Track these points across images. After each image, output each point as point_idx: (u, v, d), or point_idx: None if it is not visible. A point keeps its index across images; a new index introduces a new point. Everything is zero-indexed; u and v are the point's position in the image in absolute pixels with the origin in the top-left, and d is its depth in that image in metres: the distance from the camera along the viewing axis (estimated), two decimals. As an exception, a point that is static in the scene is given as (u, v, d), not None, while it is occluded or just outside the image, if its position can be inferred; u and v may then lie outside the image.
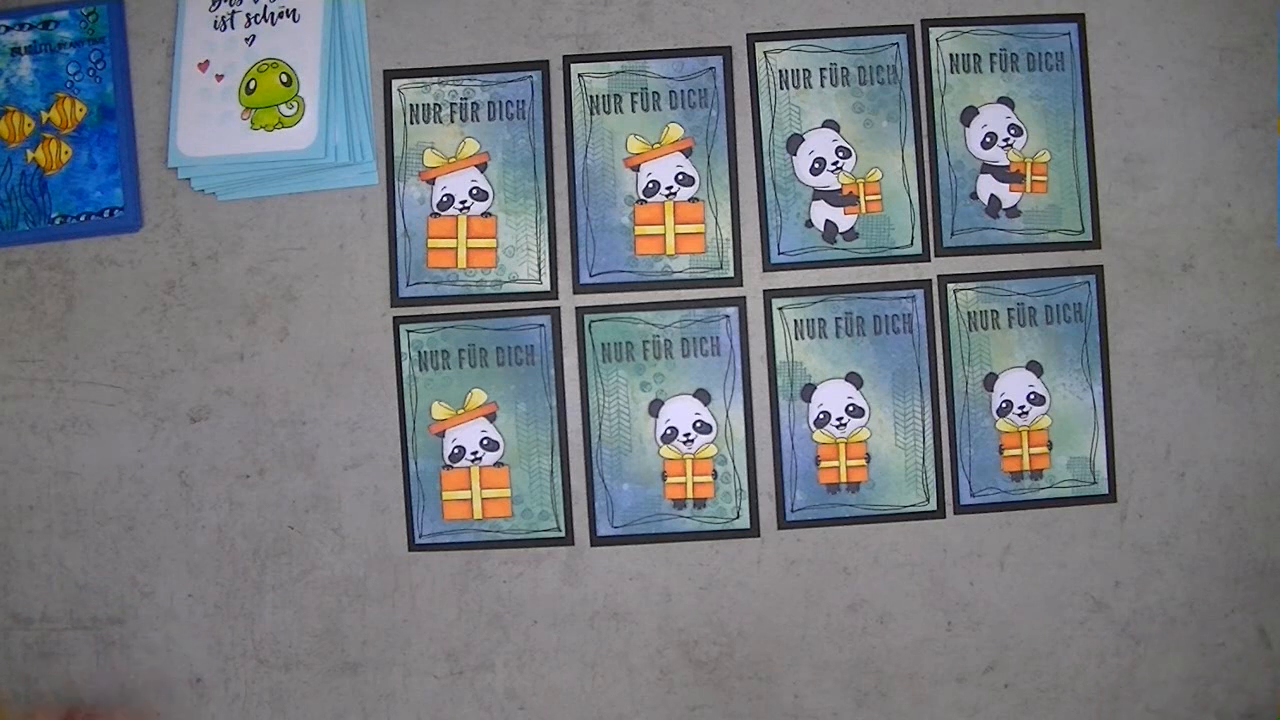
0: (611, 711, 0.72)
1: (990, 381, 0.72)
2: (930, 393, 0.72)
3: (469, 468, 0.72)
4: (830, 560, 0.72)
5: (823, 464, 0.72)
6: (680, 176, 0.73)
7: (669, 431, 0.72)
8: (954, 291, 0.72)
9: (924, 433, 0.72)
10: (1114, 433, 0.73)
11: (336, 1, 0.73)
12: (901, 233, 0.73)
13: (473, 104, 0.74)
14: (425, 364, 0.73)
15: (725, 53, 0.73)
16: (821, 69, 0.73)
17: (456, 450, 0.72)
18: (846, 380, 0.72)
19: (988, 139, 0.73)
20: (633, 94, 0.73)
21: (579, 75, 0.73)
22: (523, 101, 0.73)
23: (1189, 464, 0.73)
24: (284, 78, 0.72)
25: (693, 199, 0.73)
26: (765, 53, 0.73)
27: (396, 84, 0.74)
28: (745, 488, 0.72)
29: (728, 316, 0.72)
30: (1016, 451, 0.72)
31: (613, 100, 0.73)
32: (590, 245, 0.73)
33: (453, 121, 0.74)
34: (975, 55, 0.73)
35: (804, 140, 0.73)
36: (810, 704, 0.72)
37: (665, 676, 0.72)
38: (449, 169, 0.73)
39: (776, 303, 0.72)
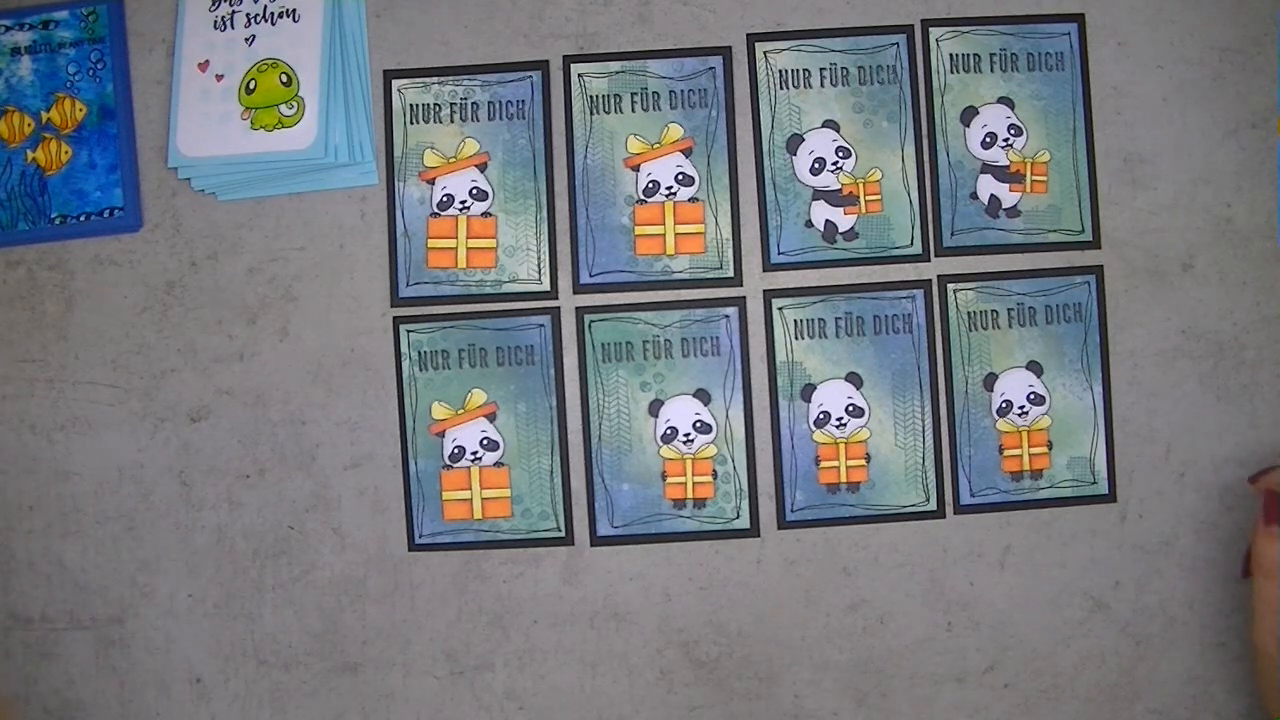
0: (611, 711, 0.73)
1: (990, 381, 0.73)
2: (930, 393, 0.72)
3: (469, 468, 0.72)
4: (830, 560, 0.72)
5: (823, 464, 0.72)
6: (680, 176, 0.73)
7: (669, 431, 0.72)
8: (954, 291, 0.73)
9: (924, 433, 0.72)
10: (1114, 433, 0.73)
11: (336, 1, 0.73)
12: (901, 233, 0.73)
13: (473, 104, 0.74)
14: (425, 364, 0.73)
15: (725, 53, 0.73)
16: (821, 69, 0.73)
17: (456, 450, 0.72)
18: (846, 380, 0.72)
19: (988, 139, 0.73)
20: (633, 94, 0.73)
21: (579, 75, 0.73)
22: (523, 101, 0.73)
23: (1189, 464, 0.73)
24: (284, 78, 0.72)
25: (693, 199, 0.73)
26: (765, 53, 0.73)
27: (396, 84, 0.74)
28: (745, 488, 0.72)
29: (728, 316, 0.72)
30: (1016, 451, 0.72)
31: (613, 100, 0.73)
32: (590, 245, 0.73)
33: (453, 121, 0.74)
34: (975, 55, 0.73)
35: (804, 140, 0.73)
36: (810, 704, 0.72)
37: (665, 676, 0.72)
38: (449, 169, 0.73)
39: (776, 303, 0.72)
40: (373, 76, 0.74)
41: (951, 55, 0.73)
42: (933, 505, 0.72)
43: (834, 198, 0.73)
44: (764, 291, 0.73)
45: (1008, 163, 0.73)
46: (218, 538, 0.73)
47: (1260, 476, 0.66)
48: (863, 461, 0.72)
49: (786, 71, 0.73)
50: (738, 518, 0.72)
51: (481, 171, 0.73)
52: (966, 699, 0.73)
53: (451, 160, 0.73)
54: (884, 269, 0.73)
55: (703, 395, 0.72)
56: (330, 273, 0.73)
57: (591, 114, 0.73)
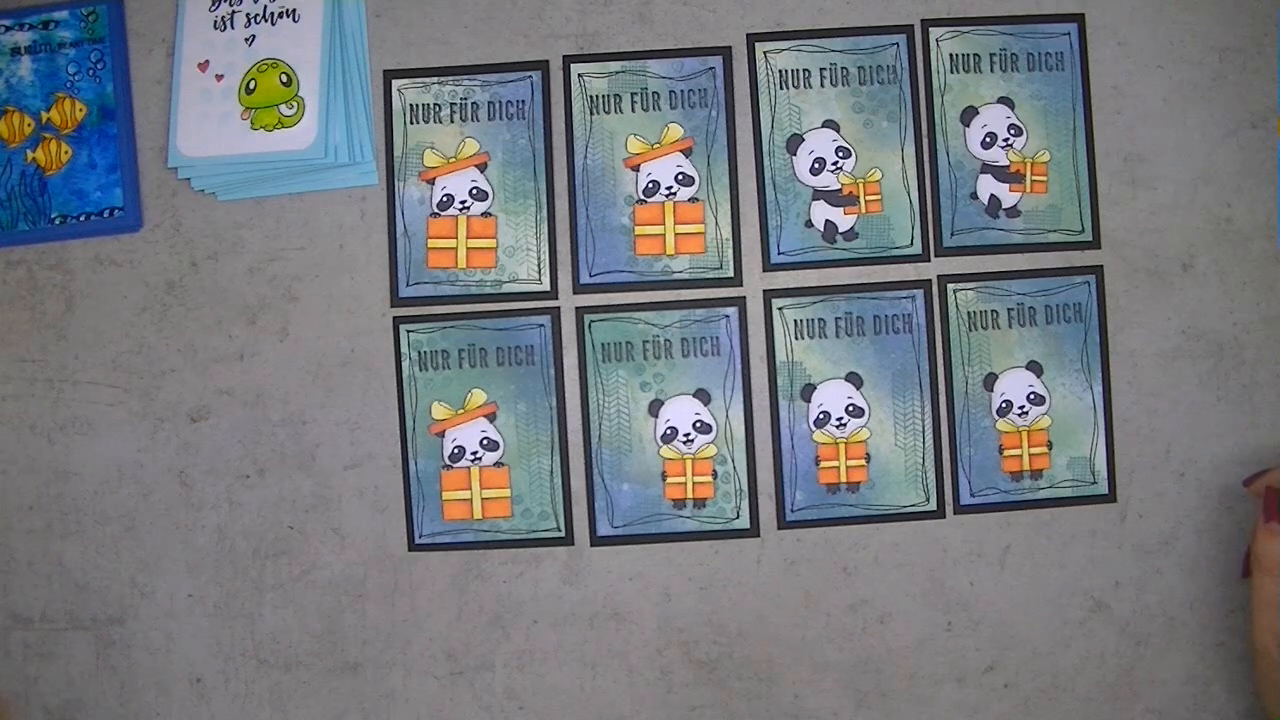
0: (611, 711, 0.73)
1: (990, 381, 0.73)
2: (930, 393, 0.72)
3: (469, 468, 0.72)
4: (830, 560, 0.72)
5: (822, 464, 0.72)
6: (680, 176, 0.73)
7: (669, 431, 0.72)
8: (954, 291, 0.73)
9: (924, 433, 0.72)
10: (1114, 433, 0.73)
11: (336, 1, 0.73)
12: (901, 233, 0.73)
13: (473, 104, 0.74)
14: (425, 364, 0.73)
15: (725, 53, 0.73)
16: (821, 69, 0.73)
17: (456, 450, 0.72)
18: (846, 380, 0.72)
19: (988, 139, 0.73)
20: (633, 94, 0.73)
21: (579, 75, 0.73)
22: (523, 101, 0.73)
23: (1189, 464, 0.73)
24: (284, 78, 0.72)
25: (693, 199, 0.73)
26: (765, 53, 0.73)
27: (396, 84, 0.74)
28: (745, 488, 0.72)
29: (728, 316, 0.72)
30: (1016, 451, 0.72)
31: (613, 100, 0.73)
32: (590, 245, 0.73)
33: (453, 121, 0.74)
34: (975, 55, 0.73)
35: (804, 140, 0.73)
36: (810, 704, 0.72)
37: (665, 676, 0.72)
38: (449, 169, 0.73)
39: (776, 303, 0.72)
40: (373, 76, 0.74)
41: (951, 55, 0.73)
42: (933, 505, 0.72)
43: (834, 198, 0.73)
44: (764, 291, 0.73)
45: (1008, 163, 0.73)
46: (218, 538, 0.73)
47: (1254, 480, 0.66)
48: (863, 461, 0.72)
49: (786, 71, 0.73)
50: (738, 518, 0.72)
51: (481, 171, 0.73)
52: (966, 699, 0.73)
53: (451, 160, 0.73)
54: (884, 269, 0.73)
55: (703, 395, 0.72)
56: (330, 273, 0.73)
57: (591, 114, 0.73)
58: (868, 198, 0.73)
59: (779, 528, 0.72)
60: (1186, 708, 0.73)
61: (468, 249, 0.73)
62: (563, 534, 0.72)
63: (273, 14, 0.73)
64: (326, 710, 0.73)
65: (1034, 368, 0.73)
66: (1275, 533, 0.62)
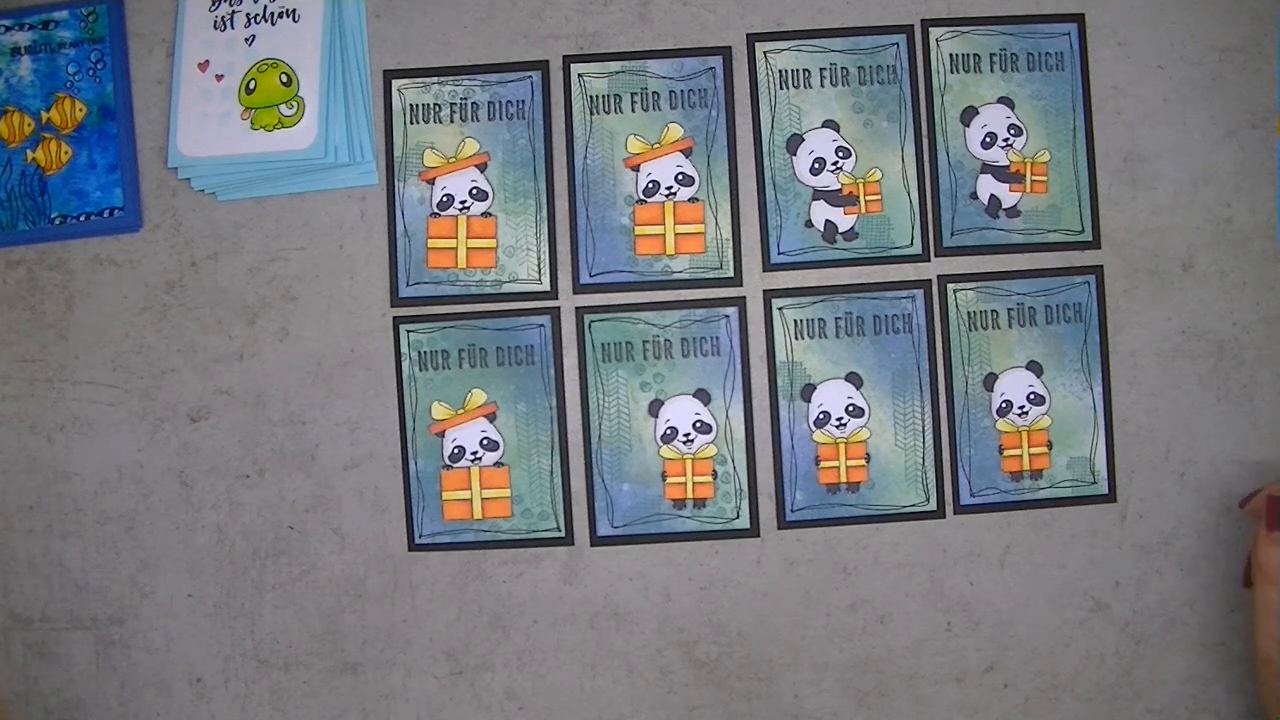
0: (611, 711, 0.73)
1: (990, 381, 0.73)
2: (930, 393, 0.72)
3: (469, 468, 0.72)
4: (830, 560, 0.72)
5: (822, 464, 0.72)
6: (680, 176, 0.73)
7: (669, 431, 0.72)
8: (954, 291, 0.73)
9: (924, 433, 0.72)
10: (1114, 433, 0.73)
11: (336, 1, 0.73)
12: (901, 233, 0.73)
13: (473, 104, 0.74)
14: (425, 364, 0.73)
15: (725, 53, 0.73)
16: (821, 69, 0.73)
17: (456, 450, 0.72)
18: (846, 380, 0.72)
19: (988, 139, 0.73)
20: (633, 94, 0.73)
21: (579, 75, 0.73)
22: (523, 101, 0.73)
23: (1189, 464, 0.73)
24: (284, 78, 0.72)
25: (693, 199, 0.73)
26: (765, 53, 0.73)
27: (396, 84, 0.74)
28: (745, 488, 0.72)
29: (728, 316, 0.72)
30: (1016, 451, 0.72)
31: (613, 100, 0.73)
32: (590, 245, 0.73)
33: (453, 121, 0.74)
34: (975, 55, 0.73)
35: (804, 140, 0.73)
36: (810, 704, 0.72)
37: (665, 676, 0.72)
38: (449, 169, 0.73)
39: (776, 303, 0.72)
40: (373, 76, 0.74)
41: (951, 55, 0.73)
42: (933, 505, 0.72)
43: (834, 198, 0.73)
44: (764, 291, 0.73)
45: (1008, 163, 0.73)
46: (218, 538, 0.73)
47: (1249, 500, 0.66)
48: (863, 461, 0.72)
49: (786, 71, 0.73)
50: (738, 518, 0.72)
51: (481, 171, 0.73)
52: (966, 699, 0.73)
53: (451, 160, 0.73)
54: (884, 269, 0.73)
55: (703, 395, 0.72)
56: (330, 273, 0.73)
57: (591, 114, 0.73)
58: (868, 198, 0.73)
59: (779, 528, 0.72)
60: (1186, 708, 0.73)
61: (468, 249, 0.73)
62: (563, 534, 0.72)
63: (273, 14, 0.73)
64: (326, 710, 0.73)
65: (1034, 368, 0.73)
66: (1276, 542, 0.62)
